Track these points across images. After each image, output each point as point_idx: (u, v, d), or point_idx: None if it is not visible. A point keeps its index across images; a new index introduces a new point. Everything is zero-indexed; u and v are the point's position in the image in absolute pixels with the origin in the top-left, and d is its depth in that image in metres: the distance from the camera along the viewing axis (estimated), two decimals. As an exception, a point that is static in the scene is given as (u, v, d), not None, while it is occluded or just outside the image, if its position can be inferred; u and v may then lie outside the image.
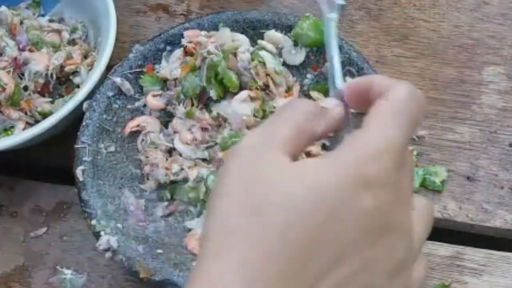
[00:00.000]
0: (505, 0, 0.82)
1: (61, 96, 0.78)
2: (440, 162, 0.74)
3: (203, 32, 0.73)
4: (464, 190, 0.72)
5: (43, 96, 0.77)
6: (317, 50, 0.73)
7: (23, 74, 0.76)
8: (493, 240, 0.71)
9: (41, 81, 0.76)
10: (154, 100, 0.73)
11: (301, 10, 0.82)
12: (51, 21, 0.82)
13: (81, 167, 0.68)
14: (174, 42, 0.74)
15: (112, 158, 0.71)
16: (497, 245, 0.70)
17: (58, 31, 0.81)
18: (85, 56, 0.79)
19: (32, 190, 0.75)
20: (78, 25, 0.82)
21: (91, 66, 0.77)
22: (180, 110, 0.71)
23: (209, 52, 0.70)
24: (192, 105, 0.71)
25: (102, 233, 0.66)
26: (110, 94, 0.72)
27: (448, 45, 0.80)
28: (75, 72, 0.78)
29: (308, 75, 0.74)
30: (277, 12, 0.77)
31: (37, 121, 0.75)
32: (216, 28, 0.74)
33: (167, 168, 0.70)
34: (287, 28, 0.74)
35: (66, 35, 0.80)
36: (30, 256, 0.72)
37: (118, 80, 0.72)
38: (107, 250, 0.65)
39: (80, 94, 0.71)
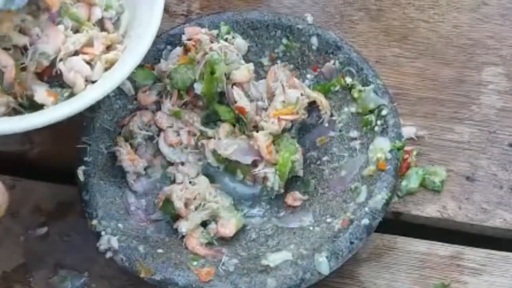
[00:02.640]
0: (504, 1, 0.82)
1: (61, 86, 0.66)
2: (440, 162, 0.74)
3: (204, 30, 0.73)
4: (464, 190, 0.73)
5: (41, 79, 0.65)
6: (317, 50, 0.73)
7: (25, 49, 0.64)
8: (493, 240, 0.71)
9: (46, 63, 0.64)
10: (144, 96, 0.73)
11: (301, 10, 0.82)
12: None
13: (82, 167, 0.69)
14: (174, 42, 0.74)
15: (113, 158, 0.71)
16: (497, 245, 0.70)
17: (90, 4, 0.67)
18: (108, 47, 0.67)
19: (33, 190, 0.75)
20: (114, 3, 0.69)
21: (110, 64, 0.66)
22: (166, 105, 0.72)
23: (211, 49, 0.70)
24: (181, 99, 0.71)
25: (102, 233, 0.66)
26: (111, 94, 0.72)
27: (447, 45, 0.80)
28: (88, 63, 0.65)
29: (308, 76, 0.74)
30: (277, 12, 0.77)
31: (21, 106, 0.64)
32: (216, 29, 0.74)
33: (131, 160, 0.70)
34: (287, 29, 0.74)
35: (97, 12, 0.67)
36: (31, 256, 0.72)
37: (119, 80, 0.72)
38: (107, 250, 0.65)
39: (87, 99, 0.61)
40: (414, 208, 0.72)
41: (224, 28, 0.74)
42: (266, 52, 0.75)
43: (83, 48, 0.65)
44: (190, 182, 0.69)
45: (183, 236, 0.68)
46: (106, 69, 0.66)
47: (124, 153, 0.70)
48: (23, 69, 0.64)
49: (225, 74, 0.71)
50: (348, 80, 0.72)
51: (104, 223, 0.66)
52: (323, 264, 0.63)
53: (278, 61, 0.75)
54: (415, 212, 0.72)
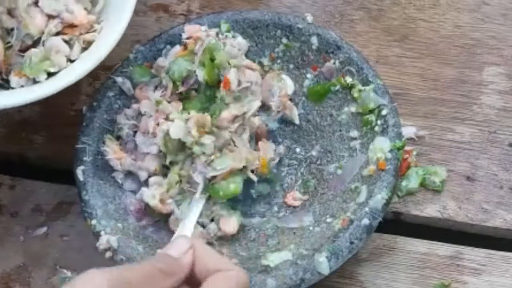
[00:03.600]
0: (505, 1, 0.82)
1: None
2: (440, 162, 0.74)
3: (204, 27, 0.73)
4: (464, 190, 0.73)
5: (23, 55, 0.69)
6: (317, 50, 0.73)
7: (12, 29, 0.69)
8: (493, 240, 0.71)
9: (29, 43, 0.69)
10: (141, 92, 0.72)
11: (301, 10, 0.82)
12: None
13: (81, 167, 0.68)
14: (174, 42, 0.74)
15: (112, 158, 0.71)
16: (497, 245, 0.70)
17: None
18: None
19: (32, 190, 0.75)
20: None
21: (87, 44, 0.70)
22: (155, 94, 0.71)
23: (208, 36, 0.70)
24: (176, 89, 0.71)
25: (102, 233, 0.66)
26: (111, 94, 0.72)
27: (448, 45, 0.80)
28: (66, 42, 0.70)
29: (308, 75, 0.74)
30: (277, 12, 0.77)
31: (4, 80, 0.69)
32: (216, 28, 0.74)
33: (118, 158, 0.70)
34: (287, 28, 0.74)
35: None
36: (30, 256, 0.72)
37: (119, 79, 0.72)
38: (107, 250, 0.65)
39: (63, 81, 0.65)
40: (414, 208, 0.72)
41: (224, 26, 0.74)
42: (266, 52, 0.75)
43: (63, 29, 0.70)
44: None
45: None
46: (83, 49, 0.70)
47: (111, 152, 0.70)
48: (8, 47, 0.68)
49: (228, 63, 0.70)
50: (348, 79, 0.72)
51: (104, 223, 0.66)
52: (323, 264, 0.63)
53: (278, 61, 0.75)
54: (415, 212, 0.72)
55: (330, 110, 0.73)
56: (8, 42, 0.69)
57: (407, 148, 0.72)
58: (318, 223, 0.68)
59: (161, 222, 0.69)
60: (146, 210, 0.69)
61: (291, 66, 0.74)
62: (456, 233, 0.72)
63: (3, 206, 0.75)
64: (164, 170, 0.69)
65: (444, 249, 0.70)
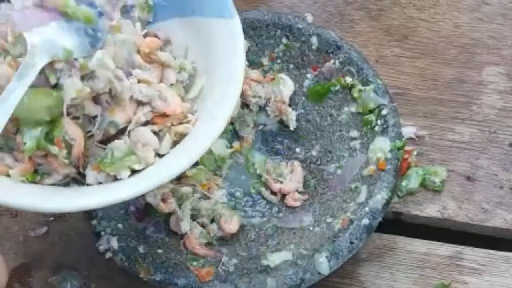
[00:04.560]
0: (505, 0, 0.82)
1: None
2: (440, 162, 0.74)
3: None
4: (464, 190, 0.73)
5: (103, 146, 0.58)
6: (317, 50, 0.73)
7: (94, 117, 0.57)
8: (493, 240, 0.71)
9: (112, 132, 0.58)
10: None
11: (301, 10, 0.82)
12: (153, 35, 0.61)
13: (81, 167, 0.69)
14: (174, 42, 0.74)
15: (112, 158, 0.71)
16: (497, 245, 0.70)
17: (163, 65, 0.60)
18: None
19: (33, 190, 0.75)
20: (187, 65, 0.62)
21: (179, 137, 0.59)
22: None
23: None
24: None
25: (102, 233, 0.66)
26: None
27: (448, 45, 0.80)
28: (155, 133, 0.59)
29: (308, 75, 0.74)
30: (277, 12, 0.77)
31: (80, 174, 0.58)
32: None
33: None
34: (287, 28, 0.74)
35: (171, 76, 0.60)
36: (30, 256, 0.72)
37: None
38: (107, 250, 0.65)
39: (149, 182, 0.55)
40: (414, 208, 0.72)
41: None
42: (266, 52, 0.75)
43: (153, 118, 0.59)
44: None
45: (182, 236, 0.68)
46: (174, 143, 0.59)
47: None
48: (89, 137, 0.58)
49: None
50: (348, 80, 0.72)
51: (104, 223, 0.66)
52: (323, 264, 0.63)
53: (278, 61, 0.75)
54: (415, 212, 0.72)
55: (330, 110, 0.73)
56: (89, 131, 0.57)
57: (407, 148, 0.72)
58: (318, 223, 0.68)
59: (161, 222, 0.69)
60: (146, 211, 0.69)
61: (291, 66, 0.74)
62: (456, 233, 0.72)
63: (4, 206, 0.75)
64: None
65: (444, 249, 0.70)
